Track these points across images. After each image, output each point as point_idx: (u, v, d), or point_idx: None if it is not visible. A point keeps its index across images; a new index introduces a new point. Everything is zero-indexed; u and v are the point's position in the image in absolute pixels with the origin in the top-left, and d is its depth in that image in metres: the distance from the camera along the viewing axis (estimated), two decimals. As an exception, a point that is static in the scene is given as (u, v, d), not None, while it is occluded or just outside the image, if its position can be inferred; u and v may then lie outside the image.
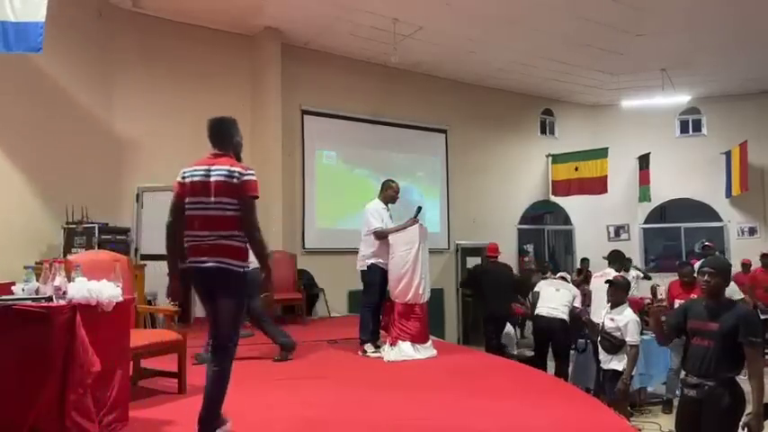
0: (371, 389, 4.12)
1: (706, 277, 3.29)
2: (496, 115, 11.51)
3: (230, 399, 3.81)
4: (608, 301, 5.14)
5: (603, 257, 7.20)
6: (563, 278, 6.71)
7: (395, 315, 5.26)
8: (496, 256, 7.58)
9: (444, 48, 9.38)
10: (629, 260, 10.30)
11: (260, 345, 5.41)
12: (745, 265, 9.93)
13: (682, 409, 3.44)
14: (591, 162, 11.56)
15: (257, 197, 2.98)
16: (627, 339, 4.83)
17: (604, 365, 5.02)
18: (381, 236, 5.31)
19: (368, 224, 5.40)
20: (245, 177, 2.95)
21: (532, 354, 6.63)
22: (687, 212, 12.38)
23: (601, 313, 5.39)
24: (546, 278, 7.17)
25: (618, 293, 5.06)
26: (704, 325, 3.27)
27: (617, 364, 4.89)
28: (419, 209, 5.47)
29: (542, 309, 6.25)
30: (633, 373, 4.95)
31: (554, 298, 6.24)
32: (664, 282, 6.76)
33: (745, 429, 3.04)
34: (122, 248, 6.17)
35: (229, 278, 2.92)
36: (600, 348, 5.10)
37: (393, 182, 5.63)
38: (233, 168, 2.96)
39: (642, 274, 9.45)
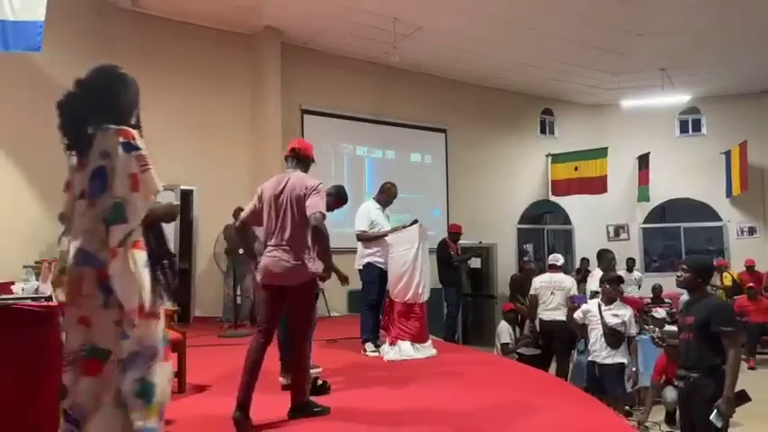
0: (371, 388, 4.13)
1: (678, 272, 3.54)
2: (496, 115, 11.51)
3: (230, 397, 3.79)
4: (602, 299, 5.30)
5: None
6: (553, 266, 6.71)
7: (394, 314, 5.27)
8: None
9: (444, 48, 9.38)
10: (632, 260, 10.31)
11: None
12: (749, 267, 9.93)
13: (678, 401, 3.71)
14: (590, 162, 11.57)
15: None
16: (632, 332, 5.14)
17: (608, 360, 5.09)
18: (361, 239, 5.41)
19: (355, 225, 5.51)
20: None
21: (537, 352, 6.84)
22: (687, 212, 12.38)
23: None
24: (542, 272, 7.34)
25: (611, 290, 5.26)
26: (684, 319, 3.51)
27: (621, 357, 5.09)
28: (414, 222, 5.49)
29: (544, 314, 6.47)
30: (633, 370, 5.34)
31: (551, 301, 6.46)
32: (664, 281, 6.78)
33: (716, 411, 3.16)
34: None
35: None
36: (604, 344, 5.14)
37: (390, 184, 5.73)
38: None
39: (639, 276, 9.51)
